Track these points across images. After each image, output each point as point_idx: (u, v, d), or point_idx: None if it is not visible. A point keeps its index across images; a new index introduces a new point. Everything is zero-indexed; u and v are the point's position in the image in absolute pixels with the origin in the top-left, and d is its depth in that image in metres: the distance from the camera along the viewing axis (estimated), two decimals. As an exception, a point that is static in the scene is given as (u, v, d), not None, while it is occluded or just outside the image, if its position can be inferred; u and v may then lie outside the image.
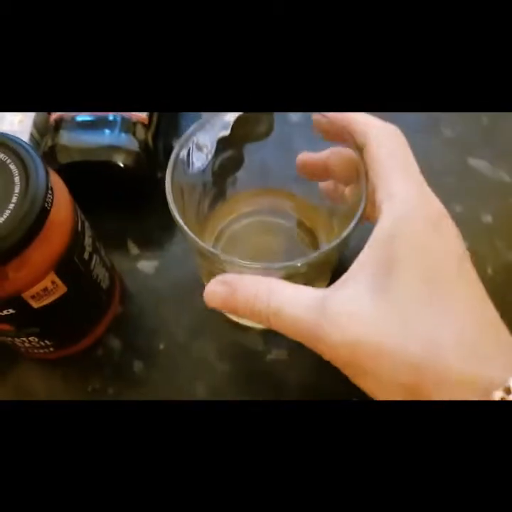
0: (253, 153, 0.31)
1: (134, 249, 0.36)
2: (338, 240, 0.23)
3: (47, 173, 0.23)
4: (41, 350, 0.30)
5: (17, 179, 0.23)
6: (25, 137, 0.34)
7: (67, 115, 0.34)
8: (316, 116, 0.27)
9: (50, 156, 0.33)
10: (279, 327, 0.22)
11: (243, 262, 0.23)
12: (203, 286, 0.34)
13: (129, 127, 0.34)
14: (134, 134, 0.34)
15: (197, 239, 0.24)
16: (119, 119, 0.34)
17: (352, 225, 0.24)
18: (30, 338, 0.28)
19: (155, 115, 0.36)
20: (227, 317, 0.34)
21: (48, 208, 0.23)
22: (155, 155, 0.35)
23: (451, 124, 0.41)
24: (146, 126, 0.35)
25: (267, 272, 0.23)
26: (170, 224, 0.37)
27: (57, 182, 0.25)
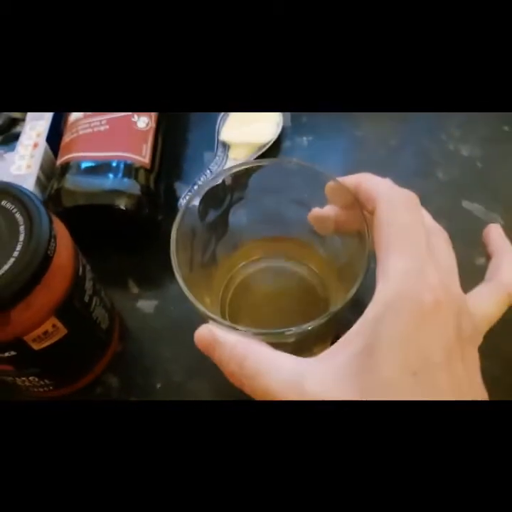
0: (267, 202, 0.31)
1: (134, 289, 0.37)
2: (326, 318, 0.23)
3: (50, 221, 0.24)
4: (41, 389, 0.31)
5: (22, 228, 0.24)
6: (32, 181, 0.36)
7: (73, 160, 0.35)
8: (329, 183, 0.27)
9: (55, 200, 0.34)
10: (251, 392, 0.21)
11: (224, 322, 0.24)
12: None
13: (132, 172, 0.35)
14: (136, 178, 0.35)
15: (190, 294, 0.25)
16: (122, 164, 0.35)
17: (342, 304, 0.24)
18: (30, 378, 0.29)
19: (157, 159, 0.37)
20: None
21: (51, 255, 0.24)
22: (156, 198, 0.36)
23: (446, 168, 0.43)
24: (148, 171, 0.36)
25: (254, 337, 0.23)
26: (169, 264, 0.38)
27: (60, 228, 0.26)
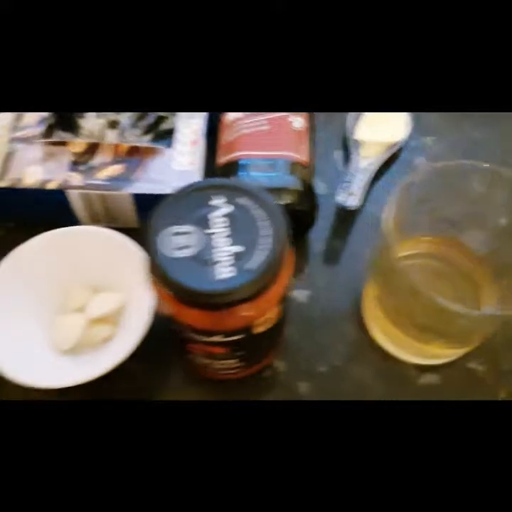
0: (440, 201, 0.33)
1: (287, 279, 0.40)
2: None
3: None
4: (230, 371, 0.33)
5: (263, 223, 0.26)
6: (197, 177, 0.38)
7: (239, 159, 0.37)
8: None
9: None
10: None
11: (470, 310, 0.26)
12: (354, 316, 0.38)
13: (293, 169, 0.37)
14: (297, 174, 0.37)
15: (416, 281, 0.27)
16: (285, 162, 0.37)
17: None
18: (231, 361, 0.31)
19: (311, 158, 0.39)
20: (380, 347, 0.37)
21: (289, 249, 0.26)
22: (314, 194, 0.38)
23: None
24: (306, 168, 0.38)
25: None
26: (320, 255, 0.41)
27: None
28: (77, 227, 0.35)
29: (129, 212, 0.39)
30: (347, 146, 0.45)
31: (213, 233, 0.26)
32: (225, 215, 0.26)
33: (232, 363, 0.32)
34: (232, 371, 0.33)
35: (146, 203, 0.38)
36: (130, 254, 0.34)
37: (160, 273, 0.25)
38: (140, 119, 0.42)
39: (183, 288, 0.25)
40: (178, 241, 0.26)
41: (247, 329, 0.28)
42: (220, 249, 0.26)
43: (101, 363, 0.32)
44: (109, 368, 0.31)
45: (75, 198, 0.38)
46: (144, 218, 0.40)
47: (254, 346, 0.31)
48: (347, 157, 0.45)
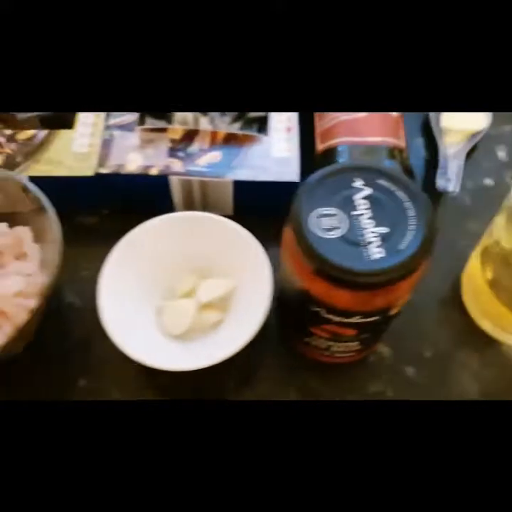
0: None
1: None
2: None
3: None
4: (344, 354, 0.33)
5: (406, 205, 0.26)
6: (295, 163, 0.38)
7: (339, 145, 0.37)
8: None
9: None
10: None
11: None
12: (454, 301, 0.38)
13: (392, 154, 0.38)
14: (396, 160, 0.37)
15: None
16: (383, 147, 0.37)
17: None
18: (352, 343, 0.32)
19: (406, 143, 0.39)
20: (484, 331, 0.37)
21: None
22: (414, 178, 0.38)
23: None
24: (403, 152, 0.38)
25: None
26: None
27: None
28: (189, 212, 0.35)
29: (227, 199, 0.39)
30: (429, 134, 0.45)
31: (358, 215, 0.26)
32: (366, 197, 0.27)
33: (353, 345, 0.32)
34: (349, 354, 0.33)
35: (245, 191, 0.39)
36: (241, 240, 0.34)
37: (313, 253, 0.25)
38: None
39: (339, 268, 0.25)
40: (326, 222, 0.26)
41: (385, 311, 0.28)
42: (367, 230, 0.26)
43: (218, 349, 0.32)
44: (229, 354, 0.31)
45: (175, 184, 0.38)
46: (239, 206, 0.40)
47: (379, 329, 0.31)
48: (428, 144, 0.45)
